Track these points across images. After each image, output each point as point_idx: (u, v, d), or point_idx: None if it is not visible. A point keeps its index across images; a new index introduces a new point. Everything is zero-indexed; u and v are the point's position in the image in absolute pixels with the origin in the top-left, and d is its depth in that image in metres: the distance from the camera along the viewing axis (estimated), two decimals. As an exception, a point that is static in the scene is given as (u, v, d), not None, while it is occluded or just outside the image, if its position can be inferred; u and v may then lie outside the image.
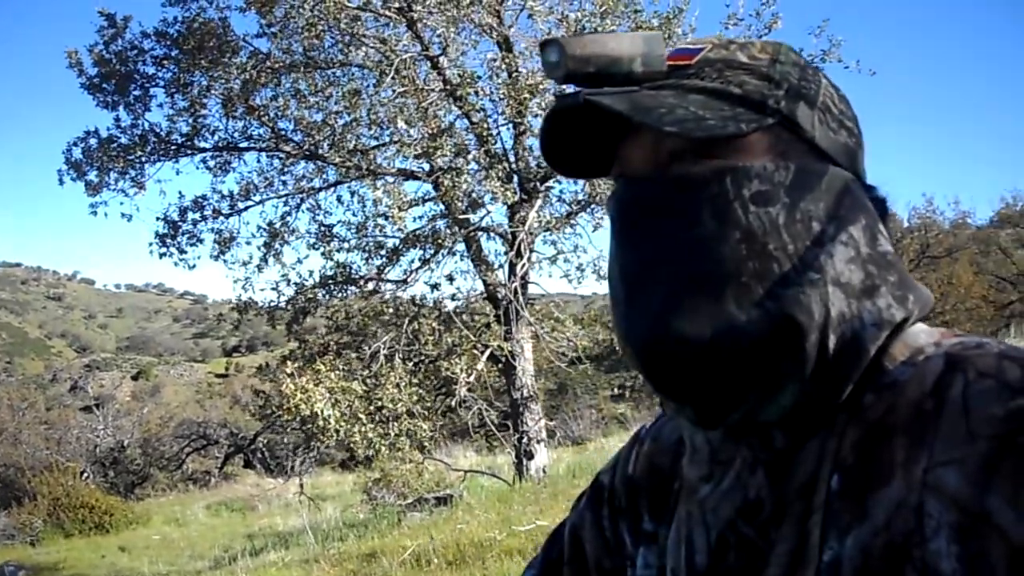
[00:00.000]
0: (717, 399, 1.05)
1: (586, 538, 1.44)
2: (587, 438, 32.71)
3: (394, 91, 15.24)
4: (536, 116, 15.65)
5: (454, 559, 11.09)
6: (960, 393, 0.95)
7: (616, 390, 58.71)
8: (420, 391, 16.06)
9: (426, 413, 15.89)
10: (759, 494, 1.06)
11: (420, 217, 17.97)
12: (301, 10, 15.05)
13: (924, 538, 0.90)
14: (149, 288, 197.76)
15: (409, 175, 17.48)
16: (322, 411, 14.04)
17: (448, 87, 15.91)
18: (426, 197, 17.84)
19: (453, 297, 17.90)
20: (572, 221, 17.94)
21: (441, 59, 15.99)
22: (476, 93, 15.91)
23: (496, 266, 18.01)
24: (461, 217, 16.79)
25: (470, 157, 15.90)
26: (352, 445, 14.92)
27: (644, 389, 45.82)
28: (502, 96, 15.48)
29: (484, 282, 17.86)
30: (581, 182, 17.11)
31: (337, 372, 15.00)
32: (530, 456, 17.09)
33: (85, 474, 35.73)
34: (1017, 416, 0.89)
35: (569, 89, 1.12)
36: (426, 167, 17.12)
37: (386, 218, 16.11)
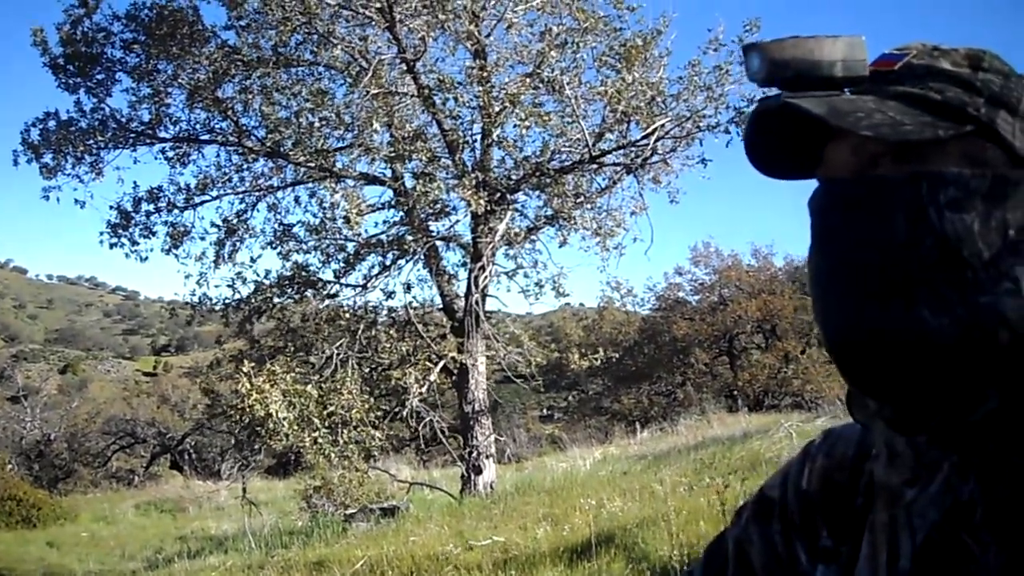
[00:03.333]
0: (917, 401, 1.06)
1: (754, 553, 1.41)
2: (524, 456, 32.71)
3: (367, 92, 15.01)
4: (515, 127, 15.62)
5: (409, 572, 10.89)
6: None
7: (545, 411, 59.06)
8: (372, 399, 15.90)
9: (376, 422, 15.70)
10: (971, 497, 1.05)
11: (386, 222, 17.89)
12: (280, 3, 14.84)
13: None
14: (81, 281, 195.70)
15: (372, 179, 17.35)
16: (276, 413, 13.84)
17: (424, 92, 15.76)
18: (388, 203, 17.75)
19: (409, 306, 17.74)
20: (534, 236, 17.86)
21: (417, 64, 15.80)
22: (456, 100, 15.80)
23: (454, 277, 17.93)
24: (423, 225, 16.69)
25: (440, 164, 15.80)
26: (301, 450, 14.70)
27: (576, 411, 45.77)
28: (481, 105, 15.36)
29: (441, 292, 17.77)
30: (543, 197, 17.10)
31: (292, 374, 14.76)
32: (478, 471, 16.99)
33: (10, 466, 35.00)
34: None
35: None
36: (389, 172, 17.02)
37: (346, 221, 15.87)
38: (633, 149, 16.67)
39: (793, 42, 1.10)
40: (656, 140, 16.09)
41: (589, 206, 17.68)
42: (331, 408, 14.92)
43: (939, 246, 1.02)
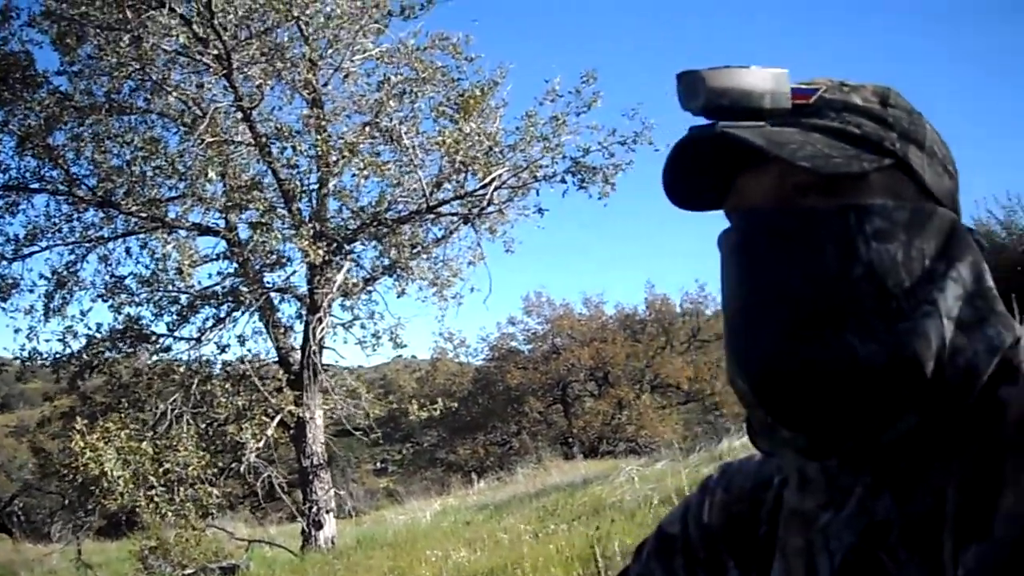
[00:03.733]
0: (834, 426, 1.08)
1: None
2: (361, 510, 32.35)
3: (201, 140, 14.76)
4: (353, 176, 15.57)
5: (252, 632, 10.65)
6: None
7: (379, 464, 58.64)
8: (208, 455, 15.55)
9: (213, 478, 15.37)
10: (887, 516, 1.07)
11: (220, 273, 17.59)
12: (115, 48, 14.53)
13: None
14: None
15: (205, 230, 17.04)
16: (111, 471, 13.43)
17: (260, 140, 15.57)
18: (222, 254, 17.46)
19: (244, 359, 17.44)
20: (371, 287, 17.75)
21: (253, 112, 15.59)
22: (293, 148, 15.63)
23: (290, 329, 17.73)
24: (257, 276, 16.47)
25: (276, 214, 15.60)
26: (137, 509, 14.31)
27: (411, 463, 45.50)
28: (318, 154, 15.21)
29: (277, 345, 17.53)
30: (380, 247, 17.03)
31: (127, 431, 14.35)
32: (319, 526, 16.73)
33: None
34: None
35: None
36: (223, 223, 16.77)
37: (179, 272, 15.56)
38: (470, 199, 16.71)
39: (728, 72, 1.10)
40: (493, 190, 16.13)
41: (426, 256, 17.66)
42: (167, 465, 14.55)
43: (867, 277, 1.05)
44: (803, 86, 1.16)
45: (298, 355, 17.25)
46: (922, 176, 1.14)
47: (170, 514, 14.44)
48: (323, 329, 16.61)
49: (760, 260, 1.12)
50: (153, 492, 14.12)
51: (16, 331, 17.97)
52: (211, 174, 14.78)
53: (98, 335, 17.64)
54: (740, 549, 1.31)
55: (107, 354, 17.69)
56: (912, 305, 1.05)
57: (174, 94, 15.80)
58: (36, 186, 17.72)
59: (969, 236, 1.16)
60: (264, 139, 15.68)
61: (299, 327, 17.69)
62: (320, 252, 15.11)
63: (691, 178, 1.20)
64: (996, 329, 1.09)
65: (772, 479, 1.30)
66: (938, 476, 1.04)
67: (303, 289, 17.21)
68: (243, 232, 16.69)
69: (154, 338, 17.77)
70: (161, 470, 14.46)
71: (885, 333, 1.04)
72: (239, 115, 15.95)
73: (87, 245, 18.01)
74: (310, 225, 15.56)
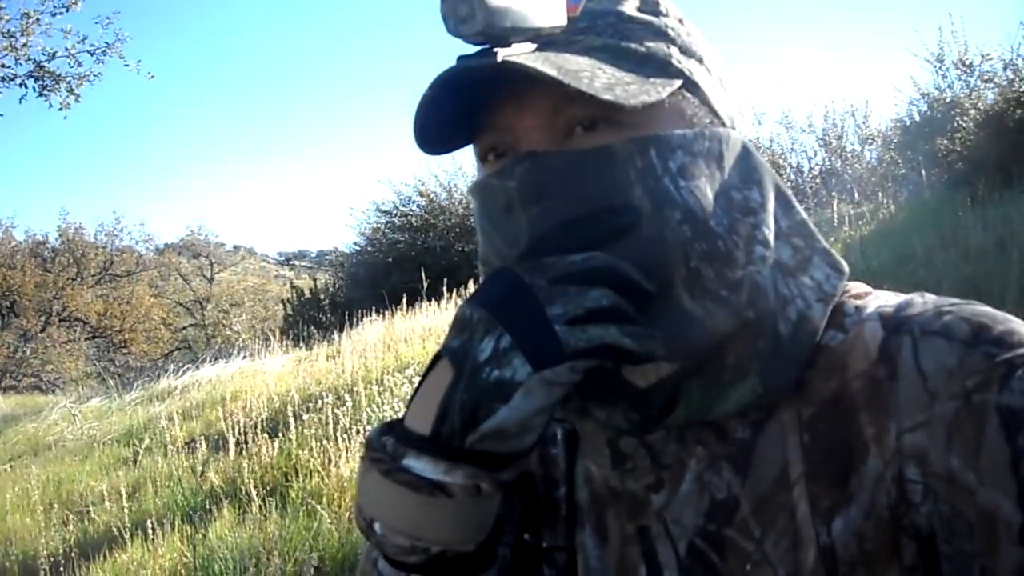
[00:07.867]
0: (658, 403, 0.96)
1: None
2: None
3: None
4: None
5: None
6: (911, 356, 0.91)
7: None
8: None
9: None
10: (731, 491, 0.99)
11: None
12: None
13: (912, 504, 0.88)
14: None
15: None
16: None
17: None
18: None
19: None
20: None
21: None
22: None
23: None
24: None
25: None
26: None
27: None
28: None
29: None
30: None
31: None
32: None
33: None
34: (972, 373, 0.87)
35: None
36: None
37: None
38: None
39: None
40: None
41: None
42: None
43: (687, 220, 0.92)
44: None
45: None
46: (707, 96, 1.02)
47: None
48: None
49: (549, 216, 0.94)
50: None
51: None
52: None
53: None
54: (528, 509, 1.16)
55: None
56: (738, 244, 0.94)
57: None
58: None
59: (760, 157, 1.03)
60: None
61: None
62: None
63: (444, 115, 0.99)
64: (824, 271, 1.00)
65: (555, 433, 1.16)
66: (777, 439, 0.97)
67: None
68: None
69: None
70: None
71: (722, 287, 0.93)
72: None
73: None
74: None
